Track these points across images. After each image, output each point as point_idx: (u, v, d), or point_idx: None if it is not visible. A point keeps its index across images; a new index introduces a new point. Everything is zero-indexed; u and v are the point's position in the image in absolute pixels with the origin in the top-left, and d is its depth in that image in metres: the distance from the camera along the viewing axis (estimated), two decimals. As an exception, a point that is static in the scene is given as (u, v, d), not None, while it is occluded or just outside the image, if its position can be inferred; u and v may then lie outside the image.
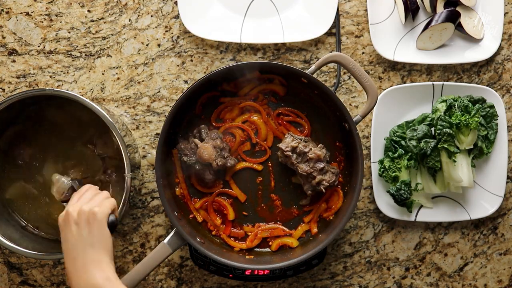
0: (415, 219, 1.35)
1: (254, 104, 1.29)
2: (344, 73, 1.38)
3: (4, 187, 1.30)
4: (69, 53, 1.38)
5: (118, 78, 1.38)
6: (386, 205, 1.34)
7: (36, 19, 1.38)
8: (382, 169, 1.32)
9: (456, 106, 1.30)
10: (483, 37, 1.36)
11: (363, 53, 1.39)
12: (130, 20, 1.38)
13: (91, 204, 1.06)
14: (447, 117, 1.28)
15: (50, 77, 1.38)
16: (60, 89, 1.27)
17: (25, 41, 1.37)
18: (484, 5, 1.37)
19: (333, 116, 1.27)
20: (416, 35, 1.37)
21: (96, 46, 1.38)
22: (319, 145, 1.25)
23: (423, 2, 1.37)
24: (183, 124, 1.29)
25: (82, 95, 1.21)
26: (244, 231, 1.30)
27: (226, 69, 1.20)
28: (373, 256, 1.39)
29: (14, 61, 1.38)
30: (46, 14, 1.38)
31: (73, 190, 1.23)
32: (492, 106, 1.32)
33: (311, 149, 1.22)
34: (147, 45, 1.38)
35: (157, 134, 1.38)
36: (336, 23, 1.38)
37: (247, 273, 1.28)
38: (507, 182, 1.37)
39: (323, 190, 1.22)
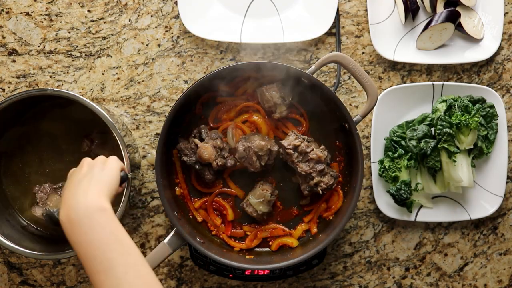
0: (415, 219, 1.35)
1: (253, 104, 1.29)
2: (344, 73, 1.38)
3: (5, 187, 1.30)
4: (69, 53, 1.38)
5: (118, 78, 1.38)
6: (386, 205, 1.34)
7: (36, 19, 1.38)
8: (382, 169, 1.32)
9: (456, 106, 1.30)
10: (483, 37, 1.36)
11: (363, 53, 1.39)
12: (130, 20, 1.38)
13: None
14: (447, 117, 1.28)
15: (50, 77, 1.38)
16: (60, 89, 1.27)
17: (25, 41, 1.37)
18: (484, 5, 1.37)
19: (333, 116, 1.27)
20: (416, 35, 1.37)
21: (96, 46, 1.38)
22: (321, 147, 1.25)
23: (423, 2, 1.37)
24: (183, 124, 1.29)
25: (82, 95, 1.21)
26: (243, 231, 1.30)
27: (226, 69, 1.20)
28: (373, 256, 1.39)
29: (14, 61, 1.38)
30: (46, 14, 1.38)
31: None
32: (492, 106, 1.32)
33: (313, 149, 1.22)
34: (147, 45, 1.38)
35: (157, 134, 1.38)
36: (336, 23, 1.38)
37: (247, 273, 1.28)
38: (507, 182, 1.37)
39: (320, 192, 1.22)
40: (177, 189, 1.29)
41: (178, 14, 1.37)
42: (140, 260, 0.90)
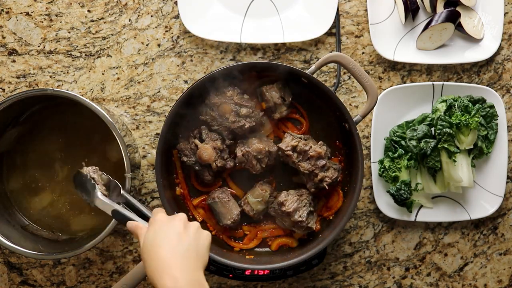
0: (415, 219, 1.35)
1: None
2: (344, 73, 1.38)
3: (6, 187, 1.30)
4: (69, 53, 1.38)
5: (118, 78, 1.38)
6: (386, 205, 1.34)
7: (36, 19, 1.38)
8: (382, 169, 1.32)
9: (456, 106, 1.30)
10: (483, 37, 1.36)
11: (363, 53, 1.39)
12: (130, 20, 1.38)
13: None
14: (447, 117, 1.28)
15: (50, 77, 1.38)
16: (60, 89, 1.27)
17: (25, 41, 1.37)
18: (484, 5, 1.37)
19: (333, 116, 1.27)
20: (416, 35, 1.37)
21: (96, 46, 1.38)
22: (319, 142, 1.25)
23: (423, 2, 1.37)
24: (183, 124, 1.28)
25: (82, 95, 1.21)
26: (243, 230, 1.30)
27: (226, 69, 1.20)
28: (373, 256, 1.39)
29: (14, 61, 1.38)
30: (46, 14, 1.38)
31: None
32: (492, 106, 1.32)
33: (311, 147, 1.22)
34: (147, 45, 1.38)
35: (157, 134, 1.38)
36: (336, 23, 1.38)
37: (247, 273, 1.28)
38: (507, 182, 1.37)
39: (326, 186, 1.22)
40: (177, 189, 1.29)
41: (178, 14, 1.37)
42: None
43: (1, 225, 1.23)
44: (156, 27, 1.38)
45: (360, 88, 1.38)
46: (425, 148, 1.28)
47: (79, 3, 1.38)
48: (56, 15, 1.38)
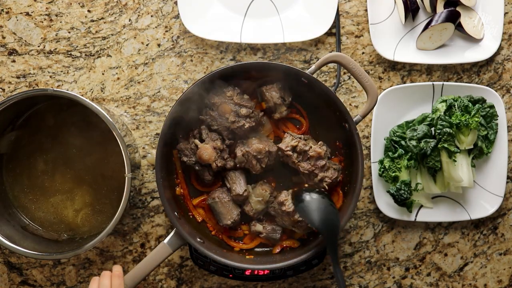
0: (415, 219, 1.35)
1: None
2: (344, 73, 1.38)
3: (6, 187, 1.30)
4: (69, 53, 1.38)
5: (118, 78, 1.38)
6: (386, 205, 1.34)
7: (36, 19, 1.38)
8: (382, 169, 1.32)
9: (456, 106, 1.30)
10: (483, 37, 1.36)
11: (363, 53, 1.39)
12: (130, 20, 1.38)
13: None
14: (447, 117, 1.28)
15: (50, 77, 1.38)
16: (60, 89, 1.27)
17: (25, 41, 1.37)
18: (484, 5, 1.37)
19: (333, 116, 1.27)
20: (416, 35, 1.37)
21: (96, 46, 1.38)
22: (319, 142, 1.25)
23: (423, 2, 1.37)
24: (183, 124, 1.28)
25: (82, 95, 1.21)
26: (242, 230, 1.30)
27: (226, 69, 1.20)
28: (373, 256, 1.39)
29: (14, 61, 1.38)
30: (46, 14, 1.38)
31: None
32: (492, 106, 1.32)
33: (311, 147, 1.22)
34: (147, 45, 1.38)
35: (157, 134, 1.38)
36: (336, 23, 1.38)
37: (247, 273, 1.28)
38: (507, 182, 1.37)
39: (326, 187, 1.22)
40: (177, 189, 1.29)
41: (178, 14, 1.37)
42: None
43: (1, 225, 1.23)
44: (156, 27, 1.38)
45: (360, 88, 1.38)
46: (425, 148, 1.28)
47: (79, 3, 1.38)
48: (56, 15, 1.38)
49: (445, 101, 1.31)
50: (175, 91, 1.38)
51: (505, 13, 1.38)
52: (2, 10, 1.38)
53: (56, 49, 1.38)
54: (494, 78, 1.39)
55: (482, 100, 1.32)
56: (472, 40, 1.37)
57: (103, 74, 1.38)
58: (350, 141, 1.22)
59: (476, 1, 1.35)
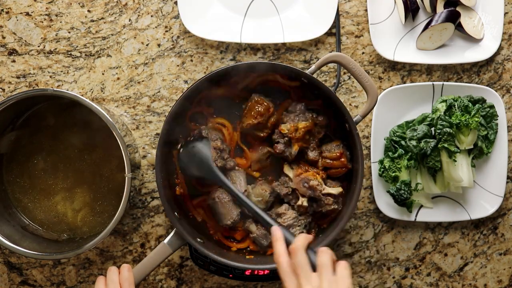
0: (415, 219, 1.35)
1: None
2: (344, 73, 1.38)
3: (6, 187, 1.30)
4: (69, 53, 1.38)
5: (118, 78, 1.38)
6: (386, 205, 1.34)
7: (36, 19, 1.38)
8: (382, 169, 1.32)
9: (456, 106, 1.30)
10: (483, 37, 1.36)
11: (363, 53, 1.39)
12: (130, 20, 1.38)
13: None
14: (447, 117, 1.28)
15: (50, 77, 1.38)
16: (60, 89, 1.27)
17: (25, 41, 1.37)
18: (484, 5, 1.37)
19: (333, 116, 1.27)
20: (416, 35, 1.37)
21: (96, 46, 1.38)
22: (303, 199, 1.25)
23: (423, 2, 1.37)
24: (183, 124, 1.28)
25: (82, 95, 1.21)
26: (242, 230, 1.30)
27: (226, 69, 1.20)
28: (373, 256, 1.39)
29: (14, 61, 1.38)
30: (46, 14, 1.38)
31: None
32: (492, 106, 1.32)
33: (293, 207, 1.26)
34: (147, 45, 1.38)
35: (157, 134, 1.38)
36: (336, 23, 1.38)
37: (247, 273, 1.28)
38: (507, 182, 1.37)
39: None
40: (177, 189, 1.29)
41: (178, 14, 1.37)
42: None
43: (1, 225, 1.23)
44: (156, 27, 1.38)
45: (360, 88, 1.38)
46: (425, 148, 1.28)
47: (79, 3, 1.38)
48: (56, 15, 1.38)
49: (445, 101, 1.31)
50: (175, 91, 1.38)
51: (505, 13, 1.38)
52: (2, 10, 1.38)
53: (56, 49, 1.38)
54: (494, 78, 1.39)
55: (482, 100, 1.32)
56: (472, 40, 1.37)
57: (103, 74, 1.38)
58: (350, 141, 1.22)
59: (476, 1, 1.35)
